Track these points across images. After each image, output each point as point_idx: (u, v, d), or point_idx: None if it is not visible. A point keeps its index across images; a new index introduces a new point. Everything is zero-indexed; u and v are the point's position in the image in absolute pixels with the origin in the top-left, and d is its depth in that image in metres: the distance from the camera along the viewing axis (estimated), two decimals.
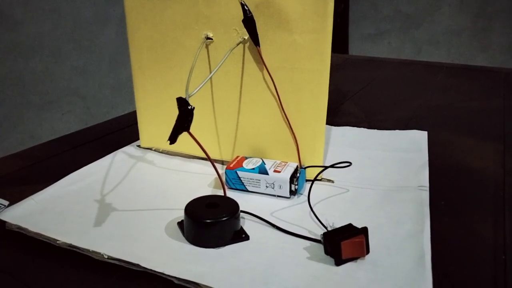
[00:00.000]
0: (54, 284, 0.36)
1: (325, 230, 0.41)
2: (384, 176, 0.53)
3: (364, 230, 0.37)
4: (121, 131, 0.72)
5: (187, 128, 0.39)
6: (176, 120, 0.38)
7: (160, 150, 0.61)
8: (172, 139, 0.38)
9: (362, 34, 3.13)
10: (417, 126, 0.72)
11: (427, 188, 0.49)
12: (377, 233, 0.41)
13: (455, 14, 2.85)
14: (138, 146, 0.63)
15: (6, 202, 0.50)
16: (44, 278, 0.37)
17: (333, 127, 0.71)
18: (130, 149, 0.61)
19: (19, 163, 0.60)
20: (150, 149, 0.62)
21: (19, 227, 0.43)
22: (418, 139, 0.64)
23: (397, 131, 0.68)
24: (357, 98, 0.90)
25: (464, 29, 2.83)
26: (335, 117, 0.79)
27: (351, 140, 0.65)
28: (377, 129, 0.70)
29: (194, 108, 0.39)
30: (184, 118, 0.38)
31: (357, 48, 3.16)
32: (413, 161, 0.56)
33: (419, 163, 0.55)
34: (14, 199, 0.50)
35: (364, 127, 0.72)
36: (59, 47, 2.17)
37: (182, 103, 0.38)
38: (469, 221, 0.45)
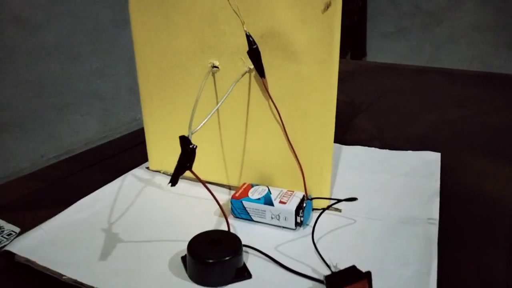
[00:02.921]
0: None
1: (329, 271, 0.40)
2: (394, 205, 0.52)
3: (368, 275, 0.37)
4: (134, 149, 0.73)
5: (189, 168, 0.39)
6: (178, 160, 0.38)
7: (169, 173, 0.61)
8: (174, 181, 0.38)
9: (380, 32, 3.07)
10: (431, 145, 0.70)
11: (437, 221, 0.48)
12: (382, 274, 0.40)
13: (477, 10, 2.76)
14: (147, 168, 0.63)
15: (17, 229, 0.51)
16: None
17: (344, 146, 0.70)
18: (139, 171, 0.62)
19: (31, 185, 0.62)
20: (159, 171, 0.62)
21: (27, 260, 0.43)
22: (431, 161, 0.62)
23: (409, 152, 0.66)
24: (370, 112, 0.89)
25: (486, 25, 2.75)
26: (346, 133, 0.77)
27: (362, 161, 0.64)
28: (389, 148, 0.69)
29: (196, 147, 0.39)
30: (186, 158, 0.38)
31: (375, 46, 3.11)
32: (424, 188, 0.55)
33: (430, 191, 0.54)
34: (25, 225, 0.51)
35: (376, 145, 0.70)
36: (78, 50, 2.21)
37: (185, 142, 0.38)
38: (481, 257, 0.44)
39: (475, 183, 0.59)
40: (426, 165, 0.61)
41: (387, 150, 0.68)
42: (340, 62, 0.47)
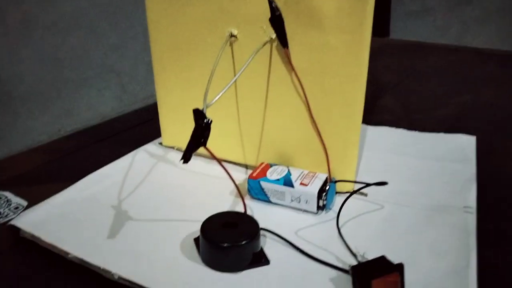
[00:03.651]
0: None
1: (355, 260, 0.37)
2: (424, 191, 0.47)
3: (400, 267, 0.33)
4: (147, 123, 0.70)
5: (203, 144, 0.35)
6: (192, 135, 0.35)
7: (182, 150, 0.58)
8: (186, 158, 0.34)
9: (405, 11, 2.95)
10: (463, 127, 0.65)
11: (474, 210, 0.43)
12: (414, 266, 0.36)
13: None
14: (160, 143, 0.60)
15: (25, 203, 0.49)
16: None
17: (369, 126, 0.65)
18: (152, 147, 0.59)
19: (42, 158, 0.59)
20: (172, 147, 0.59)
21: (33, 236, 0.41)
22: (465, 145, 0.57)
23: (441, 134, 0.61)
24: (396, 91, 0.83)
25: None
26: (371, 113, 0.73)
27: (388, 143, 0.59)
28: (418, 130, 0.64)
29: (211, 121, 0.35)
30: (200, 133, 0.35)
31: (399, 26, 2.99)
32: (458, 174, 0.50)
33: (465, 177, 0.49)
34: (34, 199, 0.49)
35: (403, 127, 0.66)
36: (95, 24, 2.18)
37: (199, 115, 0.35)
38: None
39: None
40: (459, 148, 0.57)
41: (416, 131, 0.63)
42: None
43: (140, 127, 0.69)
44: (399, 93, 0.82)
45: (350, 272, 0.34)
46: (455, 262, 0.36)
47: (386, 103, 0.77)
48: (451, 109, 0.74)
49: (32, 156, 0.60)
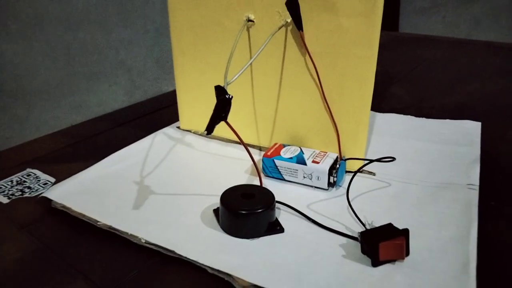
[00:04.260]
0: (92, 264, 0.38)
1: (363, 228, 0.39)
2: (430, 171, 0.50)
3: (405, 232, 0.36)
4: (163, 110, 0.73)
5: (224, 118, 0.38)
6: (214, 109, 0.38)
7: (199, 133, 0.61)
8: (210, 129, 0.37)
9: (414, 7, 2.94)
10: (470, 115, 0.67)
11: (477, 187, 0.46)
12: (418, 234, 0.39)
13: None
14: (178, 127, 0.63)
15: (52, 179, 0.52)
16: (84, 257, 0.39)
17: (377, 113, 0.67)
18: (170, 130, 0.62)
19: (65, 140, 0.63)
20: (190, 131, 0.62)
21: (64, 206, 0.44)
22: (470, 131, 0.60)
23: (447, 120, 0.64)
24: (405, 81, 0.85)
25: None
26: (380, 101, 0.75)
27: (396, 129, 0.61)
28: (426, 117, 0.66)
29: (232, 97, 0.38)
30: (222, 108, 0.37)
31: (408, 22, 2.99)
32: (463, 156, 0.52)
33: (469, 159, 0.52)
34: (60, 176, 0.52)
35: (411, 114, 0.68)
36: (106, 19, 2.21)
37: (220, 91, 0.37)
38: None
39: None
40: (465, 133, 0.59)
41: (423, 118, 0.65)
42: None
43: (156, 113, 0.72)
44: (408, 83, 0.84)
45: (359, 237, 0.37)
46: (456, 232, 0.39)
47: (395, 92, 0.79)
48: (458, 97, 0.76)
49: (56, 138, 0.64)
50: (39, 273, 0.37)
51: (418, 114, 0.68)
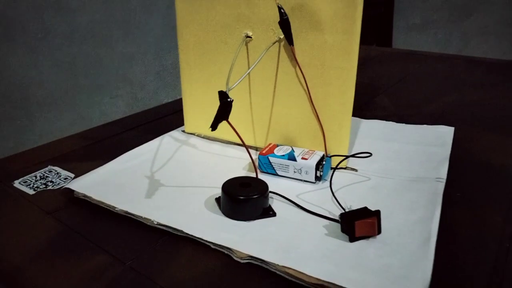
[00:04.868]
0: (114, 242, 0.44)
1: (343, 211, 0.46)
2: (405, 167, 0.57)
3: (377, 213, 0.42)
4: (167, 117, 0.80)
5: (226, 118, 0.45)
6: (217, 110, 0.45)
7: (202, 136, 0.68)
8: (214, 126, 0.44)
9: (407, 24, 3.06)
10: (446, 122, 0.75)
11: (444, 180, 0.53)
12: (390, 217, 0.46)
13: (508, 4, 2.71)
14: (183, 131, 0.70)
15: (72, 175, 0.59)
16: (104, 237, 0.45)
17: (363, 120, 0.75)
18: (176, 133, 0.69)
19: (81, 142, 0.70)
20: (194, 134, 0.69)
21: (85, 195, 0.51)
22: (444, 134, 0.67)
23: (424, 125, 0.71)
24: (390, 92, 0.93)
25: None
26: (366, 110, 0.82)
27: (378, 133, 0.69)
28: (406, 123, 0.73)
29: (233, 100, 0.45)
30: (224, 109, 0.45)
31: (401, 39, 3.10)
32: (435, 155, 0.60)
33: (440, 157, 0.59)
34: (78, 173, 0.59)
35: (393, 121, 0.75)
36: (110, 34, 2.31)
37: (223, 95, 0.45)
38: (482, 213, 0.49)
39: (484, 154, 0.63)
40: (439, 136, 0.66)
41: (403, 124, 0.72)
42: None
43: (162, 119, 0.79)
44: (392, 94, 0.92)
45: (339, 218, 0.43)
46: (422, 215, 0.46)
47: (380, 102, 0.87)
48: (437, 106, 0.84)
49: (72, 141, 0.70)
50: (66, 250, 0.44)
51: (400, 121, 0.76)
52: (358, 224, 0.41)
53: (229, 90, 0.46)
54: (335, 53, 0.52)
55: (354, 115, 0.79)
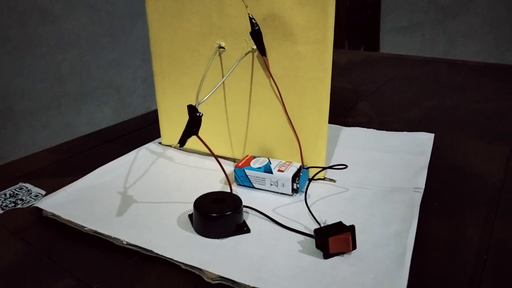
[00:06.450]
0: (81, 264, 0.43)
1: (318, 227, 0.45)
2: (384, 177, 0.56)
3: (351, 228, 0.41)
4: (146, 128, 0.79)
5: (195, 133, 0.44)
6: (186, 126, 0.43)
7: (179, 147, 0.66)
8: (182, 142, 0.43)
9: (394, 27, 3.07)
10: (427, 128, 0.74)
11: (422, 190, 0.52)
12: (366, 230, 0.45)
13: (493, 4, 2.74)
14: (160, 143, 0.69)
15: (43, 192, 0.57)
16: (71, 258, 0.44)
17: (343, 127, 0.74)
18: (152, 145, 0.67)
19: (54, 157, 0.68)
20: (171, 146, 0.67)
21: (53, 214, 0.49)
22: (423, 142, 0.66)
23: (404, 133, 0.70)
24: (372, 98, 0.93)
25: (502, 20, 2.73)
26: (347, 117, 0.82)
27: (359, 141, 0.68)
28: (387, 130, 0.73)
29: (202, 115, 0.44)
30: (193, 124, 0.43)
31: (388, 41, 3.11)
32: (413, 163, 0.59)
33: (419, 166, 0.58)
34: (50, 189, 0.57)
35: (374, 127, 0.74)
36: (95, 40, 2.28)
37: (192, 110, 0.43)
38: (459, 223, 0.48)
39: (464, 161, 0.62)
40: (418, 144, 0.65)
41: (384, 131, 0.72)
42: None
43: (141, 130, 0.78)
44: (374, 100, 0.91)
45: (314, 234, 0.42)
46: (399, 228, 0.45)
47: (362, 108, 0.86)
48: (418, 112, 0.83)
49: (46, 155, 0.69)
50: (31, 273, 0.42)
51: (381, 127, 0.75)
52: (332, 240, 0.40)
53: (198, 104, 0.45)
54: (308, 63, 0.51)
55: (337, 121, 0.78)
